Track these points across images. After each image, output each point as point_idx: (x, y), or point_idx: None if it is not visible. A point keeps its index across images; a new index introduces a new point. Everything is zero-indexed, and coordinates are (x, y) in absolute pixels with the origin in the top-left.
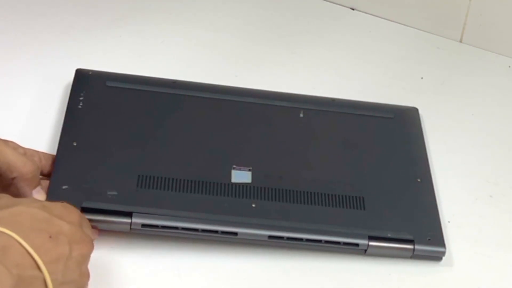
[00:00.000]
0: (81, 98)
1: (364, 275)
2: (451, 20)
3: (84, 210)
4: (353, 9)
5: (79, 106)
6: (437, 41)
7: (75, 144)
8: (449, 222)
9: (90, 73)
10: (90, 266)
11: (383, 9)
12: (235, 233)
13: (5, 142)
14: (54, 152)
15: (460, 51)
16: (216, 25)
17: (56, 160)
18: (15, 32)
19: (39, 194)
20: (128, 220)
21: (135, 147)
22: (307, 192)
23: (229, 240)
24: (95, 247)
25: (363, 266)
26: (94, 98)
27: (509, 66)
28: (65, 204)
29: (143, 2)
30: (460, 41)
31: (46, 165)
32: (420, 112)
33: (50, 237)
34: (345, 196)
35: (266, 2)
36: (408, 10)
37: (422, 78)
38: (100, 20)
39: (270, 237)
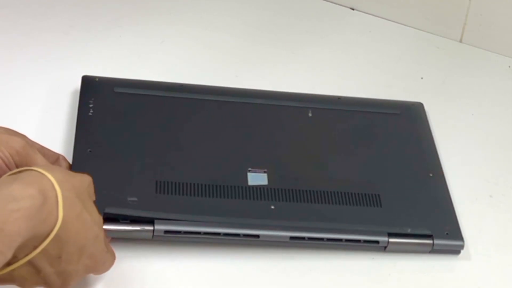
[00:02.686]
0: (90, 105)
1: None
2: (451, 20)
3: (107, 216)
4: (353, 9)
5: (90, 114)
6: (437, 41)
7: (90, 150)
8: None
9: (97, 79)
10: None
11: (383, 9)
12: (257, 236)
13: (32, 146)
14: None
15: (460, 51)
16: (216, 25)
17: (73, 167)
18: (12, 33)
19: None
20: (151, 228)
21: (150, 153)
22: (324, 192)
23: (251, 243)
24: (116, 255)
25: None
26: (104, 104)
27: (509, 66)
28: None
29: (143, 2)
30: (460, 41)
31: None
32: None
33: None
34: (361, 194)
35: (266, 2)
36: (408, 10)
37: (422, 78)
38: (99, 20)
39: (292, 238)
